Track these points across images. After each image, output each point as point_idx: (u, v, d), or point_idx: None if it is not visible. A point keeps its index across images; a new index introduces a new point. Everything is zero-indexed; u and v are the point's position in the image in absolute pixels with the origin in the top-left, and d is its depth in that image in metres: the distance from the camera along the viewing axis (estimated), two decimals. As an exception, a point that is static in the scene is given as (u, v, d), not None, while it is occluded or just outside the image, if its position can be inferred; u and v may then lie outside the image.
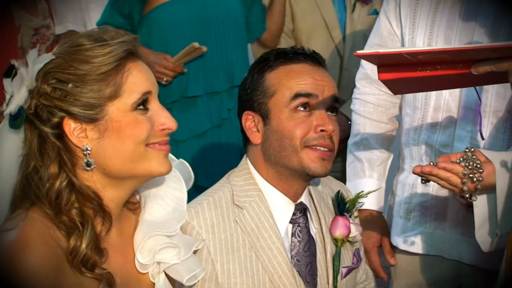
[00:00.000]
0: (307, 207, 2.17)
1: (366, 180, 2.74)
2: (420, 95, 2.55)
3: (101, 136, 1.68)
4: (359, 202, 2.29)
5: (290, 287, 2.07)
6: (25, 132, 1.68)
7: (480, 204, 2.05)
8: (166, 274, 1.83)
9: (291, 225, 2.14)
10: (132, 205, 1.85)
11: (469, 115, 2.46)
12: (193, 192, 1.99)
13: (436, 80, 1.96)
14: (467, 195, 2.02)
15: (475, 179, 1.99)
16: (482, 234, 2.08)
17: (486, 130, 2.45)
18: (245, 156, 2.20)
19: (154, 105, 1.74)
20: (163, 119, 1.74)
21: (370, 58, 1.94)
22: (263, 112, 2.12)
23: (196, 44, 3.49)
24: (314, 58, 2.17)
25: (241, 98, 2.19)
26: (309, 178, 2.14)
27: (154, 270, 1.80)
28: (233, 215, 2.09)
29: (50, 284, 1.56)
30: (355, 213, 2.30)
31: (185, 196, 1.88)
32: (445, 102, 2.49)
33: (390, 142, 2.80)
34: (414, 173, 2.05)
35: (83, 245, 1.63)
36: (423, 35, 2.54)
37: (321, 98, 2.10)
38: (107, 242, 1.72)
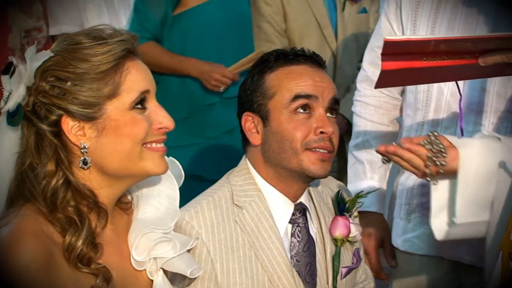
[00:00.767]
0: (306, 207, 2.17)
1: (367, 182, 2.74)
2: (421, 97, 2.55)
3: (99, 135, 1.68)
4: (359, 202, 2.29)
5: (290, 287, 2.07)
6: (22, 129, 1.69)
7: (440, 189, 2.00)
8: (164, 272, 1.84)
9: (290, 225, 2.14)
10: (124, 205, 1.85)
11: (470, 116, 2.46)
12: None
13: (439, 71, 1.94)
14: (429, 179, 1.99)
15: (438, 163, 1.96)
16: (439, 221, 2.02)
17: (487, 130, 2.45)
18: (244, 156, 2.20)
19: (152, 103, 1.75)
20: (161, 118, 1.75)
21: (396, 44, 1.90)
22: (263, 113, 2.12)
23: (264, 51, 3.53)
24: (314, 60, 2.16)
25: (241, 99, 2.19)
26: (308, 179, 2.14)
27: (151, 267, 1.81)
28: (232, 215, 2.08)
29: (43, 279, 1.56)
30: (355, 213, 2.29)
31: (177, 194, 1.89)
32: (446, 103, 2.49)
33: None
34: (377, 151, 2.01)
35: (79, 242, 1.64)
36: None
37: (321, 99, 2.10)
38: (101, 238, 1.72)
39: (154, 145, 1.75)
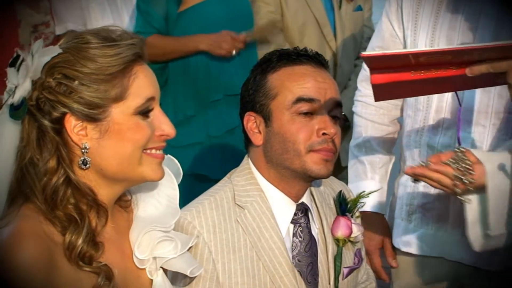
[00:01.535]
0: (308, 207, 2.17)
1: (368, 182, 2.74)
2: (422, 97, 2.55)
3: (101, 137, 1.68)
4: (361, 202, 2.30)
5: (291, 287, 2.07)
6: (23, 123, 1.68)
7: (472, 202, 2.04)
8: (164, 271, 1.85)
9: (292, 225, 2.14)
10: (124, 203, 1.86)
11: (470, 116, 2.46)
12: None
13: (428, 84, 1.94)
14: (459, 197, 2.02)
15: (465, 181, 1.99)
16: (474, 233, 2.07)
17: (488, 131, 2.45)
18: (246, 156, 2.20)
19: (156, 110, 1.75)
20: (163, 126, 1.76)
21: (375, 59, 1.91)
22: (265, 113, 2.12)
23: (276, 20, 3.54)
24: (316, 60, 2.16)
25: (243, 99, 2.18)
26: (311, 179, 2.14)
27: (151, 267, 1.82)
28: (234, 215, 2.08)
29: (43, 280, 1.56)
30: (357, 213, 2.30)
31: (177, 193, 1.90)
32: (447, 103, 2.49)
33: (392, 144, 2.80)
34: (406, 173, 2.06)
35: (80, 240, 1.64)
36: (425, 37, 2.54)
37: (323, 102, 2.10)
38: (102, 237, 1.72)
39: (153, 151, 1.76)
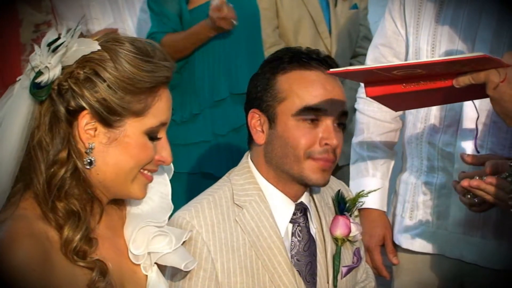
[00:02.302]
0: (307, 206, 2.17)
1: (370, 179, 2.74)
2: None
3: (109, 143, 1.69)
4: (360, 201, 2.29)
5: (290, 286, 2.07)
6: (40, 103, 1.67)
7: None
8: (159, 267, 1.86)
9: (291, 225, 2.14)
10: (116, 201, 1.86)
11: (472, 114, 2.46)
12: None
13: (424, 96, 1.93)
14: None
15: None
16: None
17: (489, 129, 2.45)
18: (246, 154, 2.20)
19: (162, 135, 1.77)
20: (164, 153, 1.77)
21: (348, 75, 1.92)
22: (270, 114, 2.11)
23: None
24: (328, 65, 2.13)
25: (250, 94, 2.17)
26: (308, 186, 2.15)
27: (146, 263, 1.83)
28: (233, 215, 2.08)
29: (39, 278, 1.56)
30: (356, 213, 2.30)
31: (169, 188, 1.91)
32: None
33: (393, 141, 2.80)
34: (462, 186, 2.09)
35: (78, 236, 1.65)
36: (427, 34, 2.54)
37: (329, 111, 2.08)
38: (96, 233, 1.73)
39: (146, 172, 1.77)
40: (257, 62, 3.52)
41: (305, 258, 2.13)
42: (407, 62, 1.86)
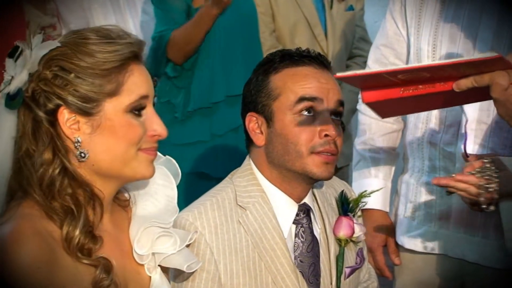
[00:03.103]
0: (310, 207, 2.17)
1: (372, 180, 2.75)
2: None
3: (93, 132, 1.70)
4: (363, 202, 2.30)
5: (293, 287, 2.07)
6: (19, 114, 1.71)
7: (505, 208, 2.05)
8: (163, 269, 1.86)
9: (294, 226, 2.14)
10: (122, 202, 1.88)
11: (473, 114, 2.46)
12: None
13: (420, 101, 1.91)
14: (484, 206, 2.04)
15: (490, 189, 2.00)
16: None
17: (490, 128, 2.45)
18: (248, 156, 2.20)
19: (149, 110, 1.77)
20: (155, 126, 1.77)
21: (351, 79, 1.89)
22: (267, 114, 2.12)
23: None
24: (319, 61, 2.15)
25: (245, 99, 2.18)
26: (312, 181, 2.15)
27: (150, 264, 1.83)
28: (236, 216, 2.09)
29: (44, 277, 1.57)
30: (359, 213, 2.30)
31: (175, 193, 1.92)
32: None
33: (396, 142, 2.81)
34: (432, 183, 2.11)
35: (77, 231, 1.66)
36: (428, 35, 2.54)
37: (325, 102, 2.09)
38: (101, 231, 1.74)
39: (145, 149, 1.77)
40: (256, 63, 3.53)
41: (308, 259, 2.14)
42: (416, 65, 1.83)
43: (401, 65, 2.67)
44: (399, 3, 2.65)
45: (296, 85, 2.10)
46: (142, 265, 1.84)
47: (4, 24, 3.42)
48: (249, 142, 2.19)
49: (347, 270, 2.19)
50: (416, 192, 2.62)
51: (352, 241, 2.22)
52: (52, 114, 1.69)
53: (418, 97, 1.85)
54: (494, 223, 2.45)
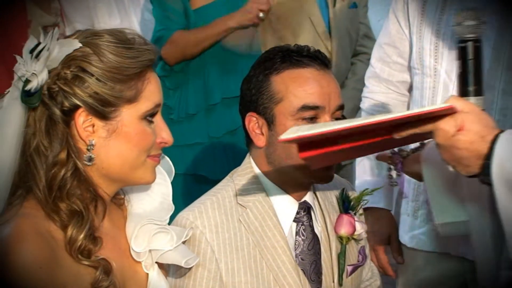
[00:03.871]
0: (311, 205, 2.17)
1: (375, 178, 2.75)
2: (427, 94, 2.56)
3: (108, 136, 1.71)
4: (364, 200, 2.29)
5: (295, 285, 2.07)
6: (33, 110, 1.69)
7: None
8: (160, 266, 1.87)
9: (295, 224, 2.15)
10: (118, 201, 1.89)
11: None
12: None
13: (359, 149, 1.82)
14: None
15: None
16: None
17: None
18: (248, 154, 2.20)
19: (158, 118, 1.79)
20: (164, 134, 1.79)
21: (295, 141, 1.78)
22: (268, 116, 2.11)
23: None
24: (319, 60, 2.14)
25: (244, 98, 2.17)
26: (313, 183, 2.16)
27: (147, 261, 1.84)
28: (236, 214, 2.09)
29: (45, 276, 1.58)
30: (360, 211, 2.29)
31: (170, 190, 1.93)
32: None
33: (398, 140, 2.80)
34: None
35: (81, 235, 1.66)
36: (430, 34, 2.54)
37: (327, 108, 2.08)
38: (100, 232, 1.75)
39: (152, 156, 1.79)
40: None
41: (310, 257, 2.14)
42: (362, 122, 1.66)
43: (403, 63, 2.69)
44: (402, 2, 2.65)
45: (298, 90, 2.08)
46: (139, 262, 1.84)
47: (6, 22, 3.43)
48: (249, 140, 2.18)
49: (349, 268, 2.19)
50: (419, 191, 2.63)
51: (353, 238, 2.22)
52: (69, 114, 1.69)
53: (356, 147, 1.77)
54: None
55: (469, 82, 1.91)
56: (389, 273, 2.70)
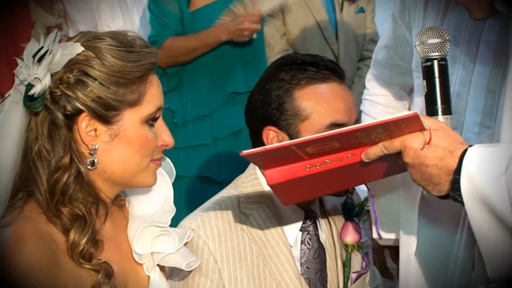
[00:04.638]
0: (316, 214, 2.17)
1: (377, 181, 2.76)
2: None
3: (111, 141, 1.71)
4: (368, 205, 2.26)
5: (298, 294, 2.07)
6: (36, 114, 1.68)
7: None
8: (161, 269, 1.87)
9: (300, 233, 2.14)
10: (118, 202, 1.88)
11: (476, 117, 2.47)
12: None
13: (329, 178, 1.76)
14: None
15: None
16: None
17: (493, 132, 2.46)
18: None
19: (159, 120, 1.78)
20: (165, 136, 1.79)
21: (257, 156, 1.72)
22: (291, 132, 2.09)
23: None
24: (339, 74, 2.14)
25: (259, 110, 2.13)
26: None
27: (148, 264, 1.83)
28: (240, 223, 2.08)
29: (46, 279, 1.57)
30: (365, 217, 2.28)
31: (171, 191, 1.92)
32: (452, 104, 2.50)
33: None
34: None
35: (84, 240, 1.66)
36: (431, 37, 2.55)
37: (350, 123, 2.08)
38: (102, 235, 1.74)
39: (154, 159, 1.79)
40: (255, 64, 3.49)
41: (315, 265, 2.14)
42: (324, 134, 1.63)
43: (404, 66, 2.70)
44: (403, 5, 2.65)
45: (325, 108, 2.08)
46: (141, 264, 1.84)
47: (9, 24, 3.43)
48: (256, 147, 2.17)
49: (354, 275, 2.19)
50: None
51: (358, 246, 2.21)
52: (72, 119, 1.68)
53: (326, 174, 1.71)
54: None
55: (437, 101, 1.89)
56: (388, 276, 2.71)
